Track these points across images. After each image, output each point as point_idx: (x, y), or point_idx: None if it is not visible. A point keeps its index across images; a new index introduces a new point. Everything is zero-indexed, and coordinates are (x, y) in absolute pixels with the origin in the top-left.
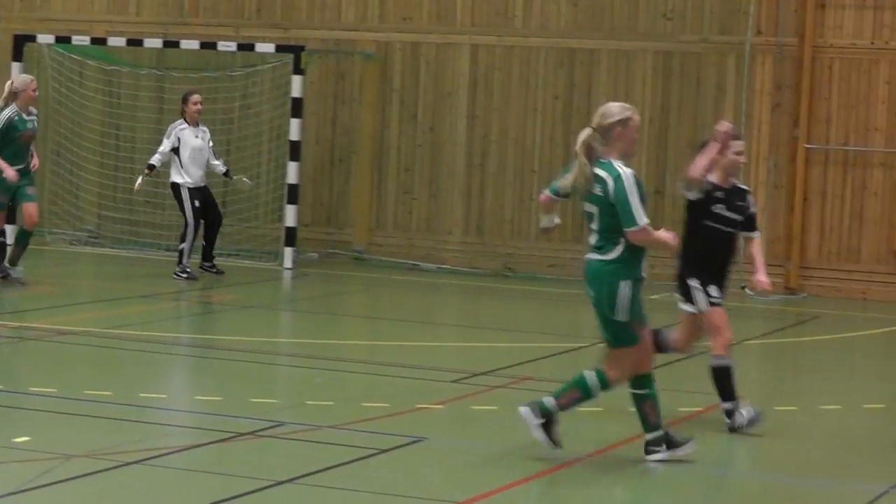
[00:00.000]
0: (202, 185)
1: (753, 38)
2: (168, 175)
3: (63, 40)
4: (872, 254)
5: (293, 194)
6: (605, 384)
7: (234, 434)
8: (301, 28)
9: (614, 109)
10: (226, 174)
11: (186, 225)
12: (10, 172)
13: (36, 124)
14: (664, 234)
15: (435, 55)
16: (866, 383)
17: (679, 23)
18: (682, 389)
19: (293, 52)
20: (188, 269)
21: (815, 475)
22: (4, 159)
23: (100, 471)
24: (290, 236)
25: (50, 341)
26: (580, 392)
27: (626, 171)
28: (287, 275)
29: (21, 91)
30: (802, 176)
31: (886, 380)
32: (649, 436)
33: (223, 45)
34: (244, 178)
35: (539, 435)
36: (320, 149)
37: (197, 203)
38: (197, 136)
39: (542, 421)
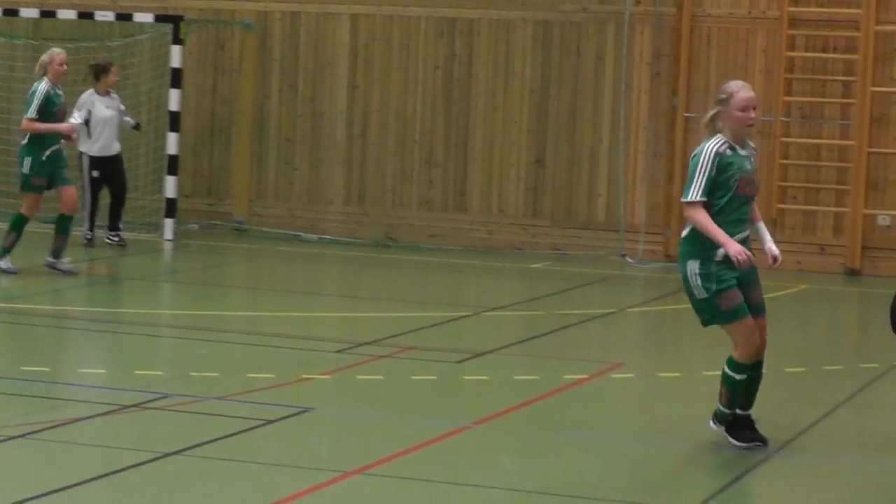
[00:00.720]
0: (110, 154)
1: (633, 7)
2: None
3: None
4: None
5: (173, 165)
6: (736, 367)
7: (119, 407)
8: None
9: (723, 88)
10: (136, 127)
11: (84, 194)
12: (65, 126)
13: (63, 100)
14: (732, 247)
15: (315, 25)
16: None
17: None
18: (570, 357)
19: (172, 22)
20: (88, 236)
21: (699, 438)
22: (43, 137)
23: None
24: (171, 207)
25: None
26: (727, 387)
27: (707, 146)
28: (168, 246)
29: (47, 64)
30: (681, 144)
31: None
32: (719, 408)
33: (101, 15)
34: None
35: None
36: (200, 119)
37: (95, 173)
38: (107, 107)
39: (724, 427)
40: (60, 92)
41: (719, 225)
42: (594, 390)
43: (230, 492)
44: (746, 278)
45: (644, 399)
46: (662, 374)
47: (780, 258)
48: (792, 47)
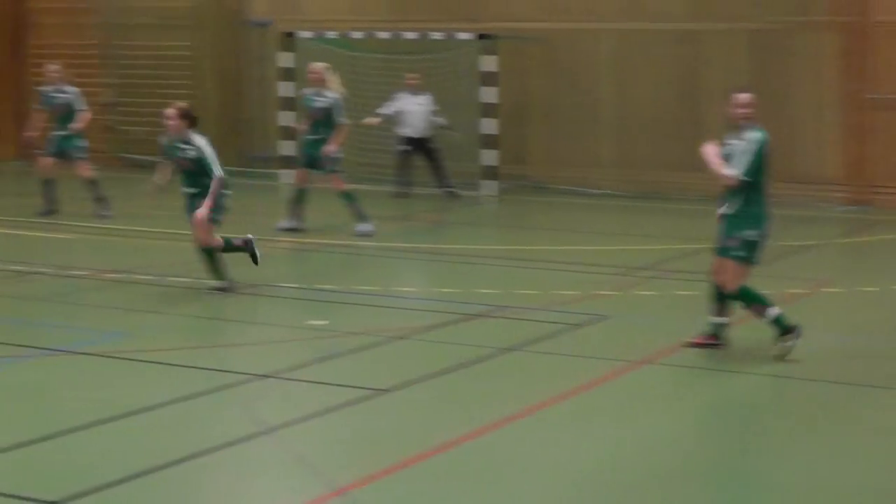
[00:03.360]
0: (417, 136)
1: (825, 17)
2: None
3: (318, 35)
4: None
5: (492, 142)
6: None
7: (467, 315)
8: (489, 21)
9: None
10: (445, 128)
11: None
12: (332, 147)
13: (324, 104)
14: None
15: (588, 39)
16: None
17: (766, 7)
18: (790, 277)
19: (485, 39)
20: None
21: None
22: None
23: (374, 344)
24: (491, 172)
25: (324, 252)
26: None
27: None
28: (489, 200)
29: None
30: (870, 121)
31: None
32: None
33: (434, 35)
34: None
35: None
36: (508, 108)
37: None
38: (416, 103)
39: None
40: (318, 98)
41: None
42: (812, 302)
43: (552, 377)
44: None
45: (845, 309)
46: (861, 289)
47: None
48: None
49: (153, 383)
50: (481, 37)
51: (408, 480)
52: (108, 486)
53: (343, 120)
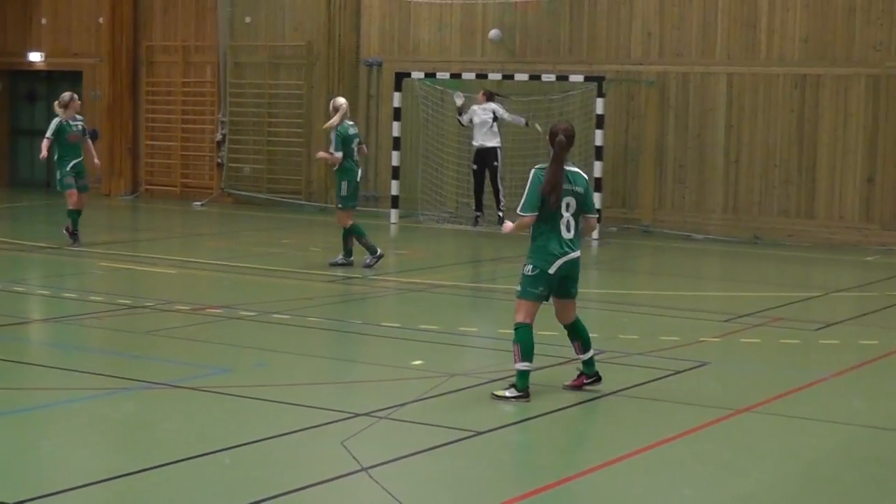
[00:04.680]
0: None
1: None
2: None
3: (430, 75)
4: None
5: (598, 185)
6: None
7: (566, 360)
8: (601, 63)
9: None
10: (525, 124)
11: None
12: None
13: (335, 136)
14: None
15: (700, 82)
16: None
17: (886, 52)
18: None
19: (596, 81)
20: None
21: None
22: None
23: (475, 385)
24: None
25: (427, 292)
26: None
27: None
28: (594, 244)
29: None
30: None
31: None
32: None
33: (545, 77)
34: (537, 126)
35: None
36: (616, 151)
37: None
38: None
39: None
40: (352, 126)
41: None
42: None
43: (651, 423)
44: None
45: None
46: None
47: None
48: None
49: (252, 419)
50: (592, 79)
51: None
52: None
53: (337, 153)
